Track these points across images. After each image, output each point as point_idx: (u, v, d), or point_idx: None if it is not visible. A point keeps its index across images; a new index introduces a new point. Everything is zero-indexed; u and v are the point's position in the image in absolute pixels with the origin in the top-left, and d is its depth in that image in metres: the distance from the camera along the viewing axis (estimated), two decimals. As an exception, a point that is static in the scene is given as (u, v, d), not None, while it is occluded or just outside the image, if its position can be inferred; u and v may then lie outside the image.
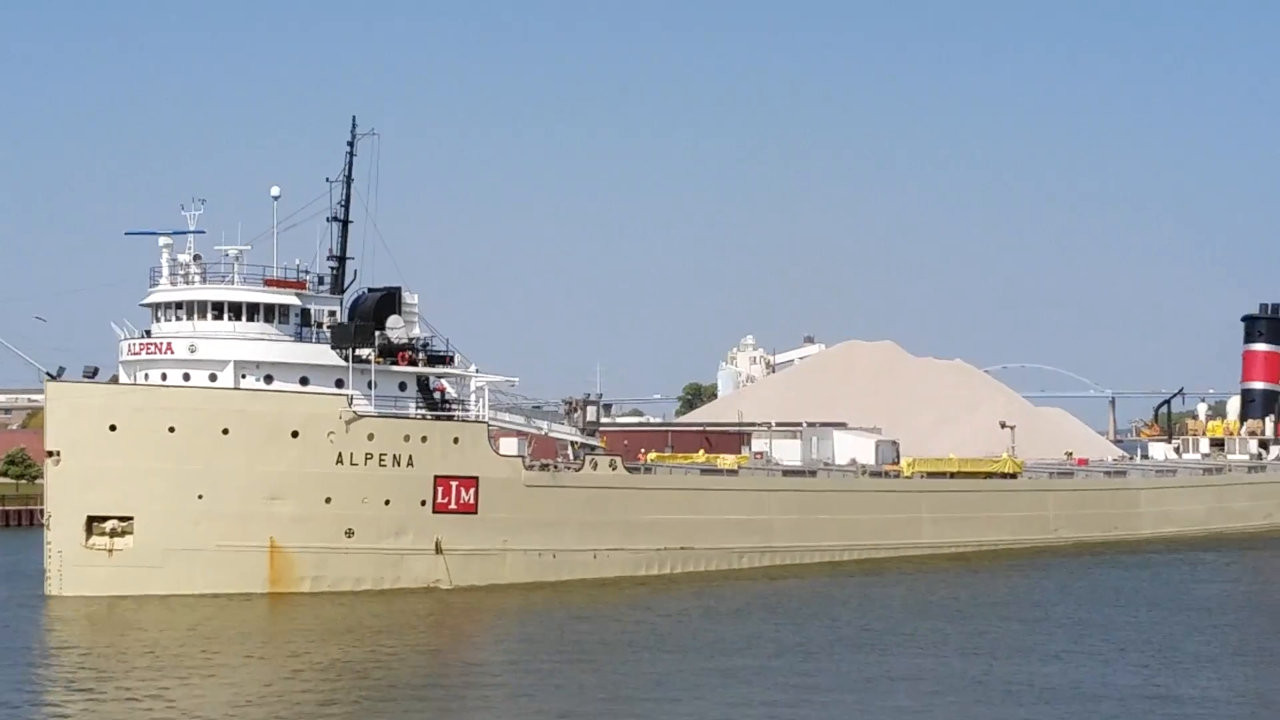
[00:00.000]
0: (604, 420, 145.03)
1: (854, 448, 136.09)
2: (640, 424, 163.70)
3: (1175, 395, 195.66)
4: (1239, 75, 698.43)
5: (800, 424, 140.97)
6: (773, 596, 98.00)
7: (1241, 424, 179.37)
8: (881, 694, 64.71)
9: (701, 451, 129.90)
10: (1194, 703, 63.27)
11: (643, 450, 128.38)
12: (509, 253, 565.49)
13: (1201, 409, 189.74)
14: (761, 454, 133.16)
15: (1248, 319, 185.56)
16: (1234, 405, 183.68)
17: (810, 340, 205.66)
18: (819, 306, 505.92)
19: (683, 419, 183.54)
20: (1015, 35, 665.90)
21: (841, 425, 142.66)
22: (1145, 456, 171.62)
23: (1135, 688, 66.85)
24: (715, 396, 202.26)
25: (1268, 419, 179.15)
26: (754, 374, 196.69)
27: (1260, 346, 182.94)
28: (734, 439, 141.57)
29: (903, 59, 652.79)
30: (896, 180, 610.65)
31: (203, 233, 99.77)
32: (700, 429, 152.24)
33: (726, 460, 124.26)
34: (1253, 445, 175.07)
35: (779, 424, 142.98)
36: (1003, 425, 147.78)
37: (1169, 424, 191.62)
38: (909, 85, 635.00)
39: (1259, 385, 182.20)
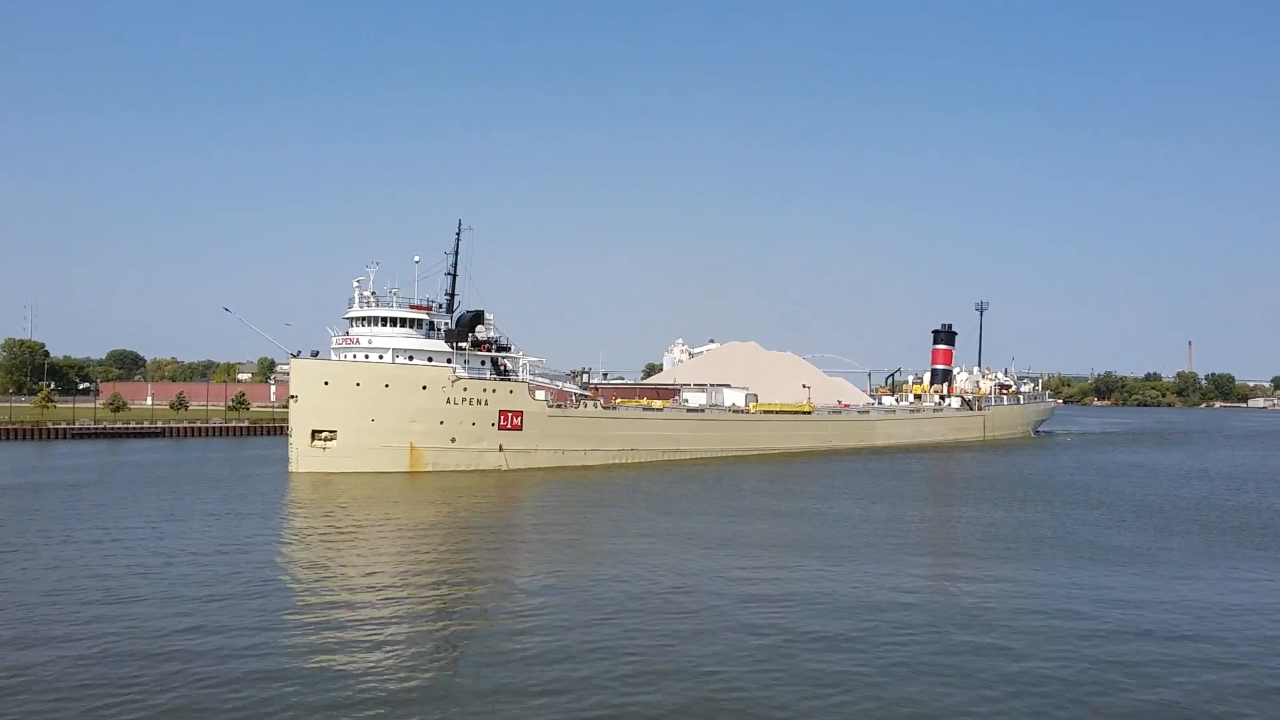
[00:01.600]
0: (597, 381, 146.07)
1: (734, 398, 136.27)
2: (622, 384, 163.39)
3: (895, 371, 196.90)
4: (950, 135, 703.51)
5: (706, 384, 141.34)
6: (679, 474, 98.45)
7: (931, 387, 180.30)
8: (737, 519, 65.56)
9: (645, 399, 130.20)
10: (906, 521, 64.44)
11: (617, 398, 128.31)
12: (545, 286, 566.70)
13: (910, 378, 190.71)
14: (685, 399, 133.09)
15: (935, 331, 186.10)
16: (927, 377, 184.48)
17: (712, 340, 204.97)
18: (717, 320, 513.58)
19: (645, 381, 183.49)
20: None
21: (728, 385, 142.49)
22: (880, 404, 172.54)
23: (882, 516, 68.03)
24: (662, 369, 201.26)
25: (944, 384, 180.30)
26: (682, 358, 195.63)
27: (940, 346, 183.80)
28: (671, 392, 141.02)
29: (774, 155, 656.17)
30: (754, 248, 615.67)
31: (373, 271, 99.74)
32: (654, 387, 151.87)
33: (656, 404, 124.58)
34: (936, 399, 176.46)
35: (695, 384, 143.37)
36: (804, 386, 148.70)
37: (892, 387, 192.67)
38: (757, 182, 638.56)
39: (940, 367, 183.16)
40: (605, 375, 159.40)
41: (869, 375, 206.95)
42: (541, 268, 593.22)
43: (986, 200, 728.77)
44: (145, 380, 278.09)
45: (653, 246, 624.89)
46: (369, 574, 46.14)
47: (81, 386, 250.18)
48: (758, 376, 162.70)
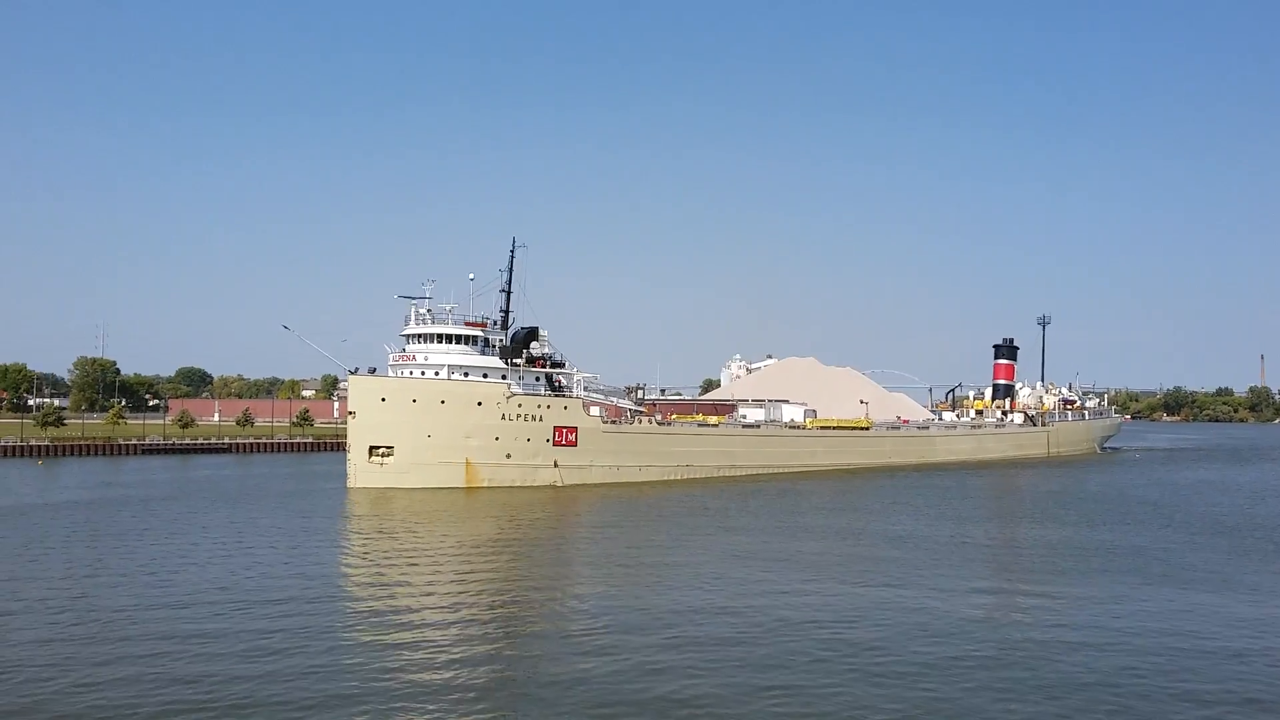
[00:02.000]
0: (657, 397, 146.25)
1: (792, 414, 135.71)
2: (679, 400, 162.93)
3: (956, 387, 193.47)
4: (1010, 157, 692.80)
5: (764, 400, 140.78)
6: (735, 491, 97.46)
7: (992, 403, 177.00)
8: (796, 536, 64.53)
9: (700, 414, 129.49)
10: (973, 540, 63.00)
11: (673, 413, 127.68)
12: (600, 302, 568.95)
13: (970, 394, 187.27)
14: (743, 415, 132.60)
15: (996, 346, 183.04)
16: (989, 392, 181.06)
17: (770, 356, 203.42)
18: (775, 336, 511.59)
19: (702, 397, 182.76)
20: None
21: (786, 401, 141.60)
22: (940, 419, 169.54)
23: (946, 535, 66.44)
24: (719, 386, 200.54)
25: (1006, 400, 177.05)
26: (740, 374, 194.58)
27: (1002, 360, 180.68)
28: (729, 408, 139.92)
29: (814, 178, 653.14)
30: (815, 264, 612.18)
31: (431, 297, 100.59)
32: (711, 403, 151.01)
33: (712, 420, 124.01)
34: (998, 414, 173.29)
35: (753, 400, 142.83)
36: (861, 402, 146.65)
37: (953, 402, 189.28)
38: (809, 206, 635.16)
39: (1002, 382, 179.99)
40: (662, 391, 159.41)
41: (929, 391, 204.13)
42: (596, 284, 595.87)
43: (1049, 213, 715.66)
44: (212, 397, 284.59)
45: (710, 262, 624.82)
46: (427, 593, 46.26)
47: (151, 403, 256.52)
48: (816, 392, 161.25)
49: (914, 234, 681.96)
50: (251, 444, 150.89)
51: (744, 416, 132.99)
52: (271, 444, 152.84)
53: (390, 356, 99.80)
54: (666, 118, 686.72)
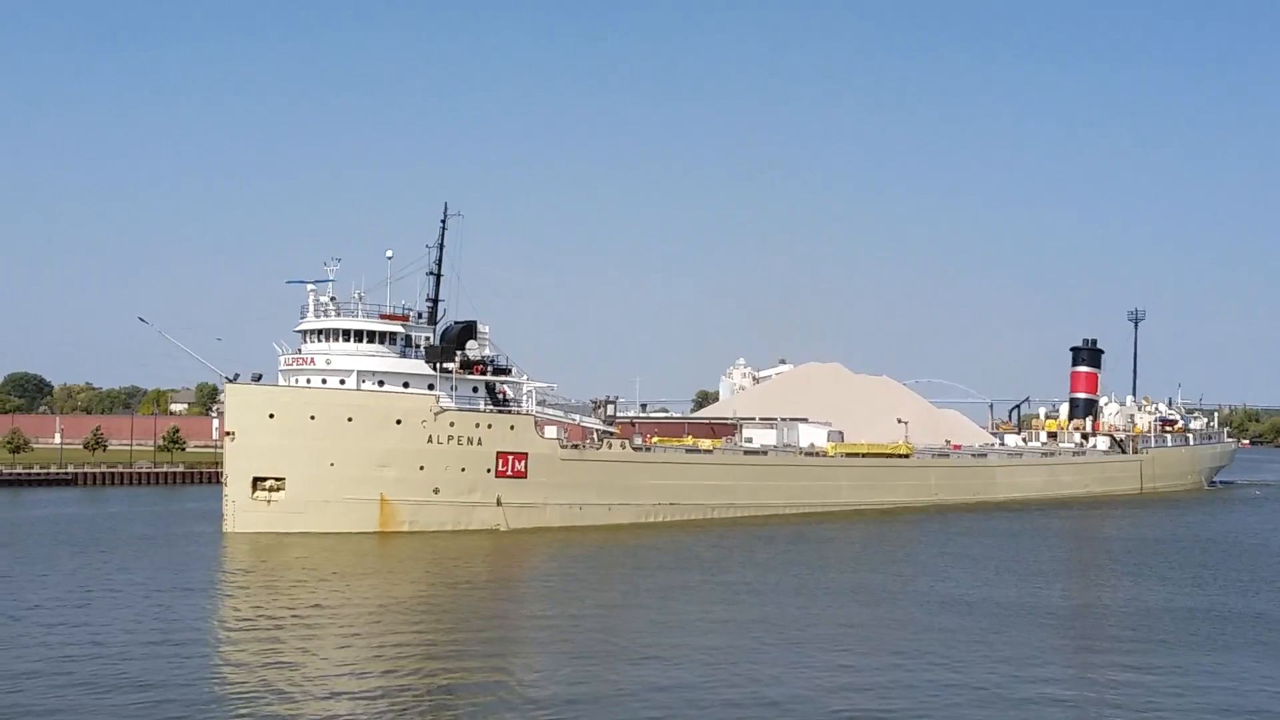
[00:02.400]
0: (636, 414, 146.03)
1: (812, 436, 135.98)
2: (666, 418, 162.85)
3: (1023, 402, 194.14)
4: (1077, 148, 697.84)
5: (775, 419, 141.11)
6: (735, 537, 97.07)
7: (1070, 422, 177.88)
8: (816, 599, 64.06)
9: (690, 437, 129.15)
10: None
11: (654, 435, 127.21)
12: (563, 294, 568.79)
13: (1042, 411, 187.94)
14: (748, 437, 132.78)
15: (1074, 349, 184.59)
16: (1064, 409, 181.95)
17: (783, 361, 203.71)
18: (789, 336, 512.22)
19: (696, 414, 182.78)
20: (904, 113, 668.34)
21: (804, 420, 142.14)
22: (1001, 444, 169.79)
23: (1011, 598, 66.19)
24: (718, 399, 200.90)
25: (1087, 419, 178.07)
26: (744, 384, 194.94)
27: (1082, 368, 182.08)
28: (730, 428, 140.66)
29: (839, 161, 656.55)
30: (843, 245, 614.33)
31: (336, 281, 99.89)
32: (707, 421, 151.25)
33: (704, 443, 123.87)
34: (1077, 437, 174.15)
35: (761, 418, 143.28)
36: (899, 421, 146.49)
37: (1019, 421, 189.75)
38: (842, 182, 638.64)
39: (1082, 395, 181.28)
40: (643, 407, 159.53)
41: (990, 407, 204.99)
42: (558, 271, 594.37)
43: (1143, 177, 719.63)
44: (52, 412, 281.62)
45: (708, 247, 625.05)
46: (325, 678, 45.69)
47: None
48: (843, 408, 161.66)
49: (968, 207, 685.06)
50: (104, 474, 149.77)
51: (749, 439, 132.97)
52: (131, 474, 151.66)
53: (281, 359, 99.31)
54: (659, 53, 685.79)
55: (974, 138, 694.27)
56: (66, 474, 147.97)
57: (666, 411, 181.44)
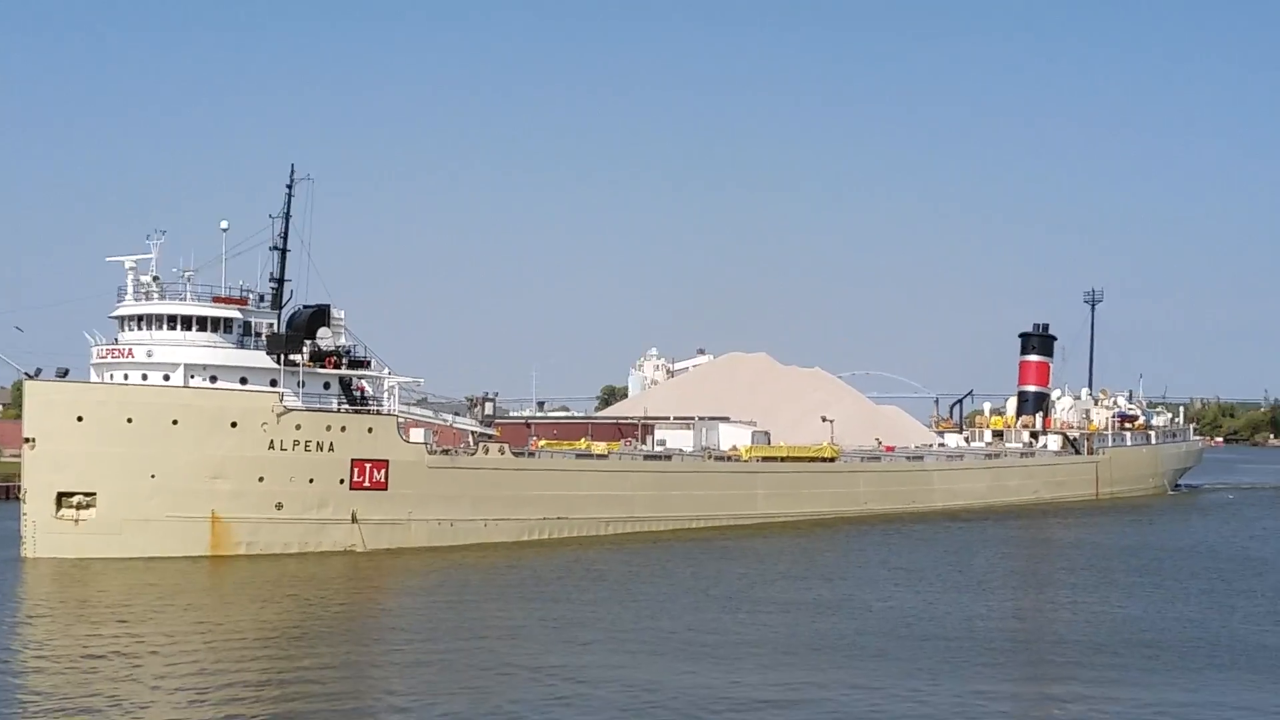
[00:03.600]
0: (530, 414, 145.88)
1: (734, 437, 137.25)
2: (565, 418, 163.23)
3: (965, 396, 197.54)
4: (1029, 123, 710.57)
5: (693, 418, 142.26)
6: (629, 553, 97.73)
7: (1017, 419, 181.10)
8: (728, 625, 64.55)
9: (584, 441, 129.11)
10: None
11: (539, 438, 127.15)
12: (437, 274, 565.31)
13: (986, 407, 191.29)
14: (661, 440, 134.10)
15: (1023, 335, 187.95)
16: (1012, 404, 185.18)
17: (701, 352, 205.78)
18: (709, 324, 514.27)
19: (600, 413, 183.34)
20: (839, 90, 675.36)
21: (725, 419, 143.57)
22: (941, 444, 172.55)
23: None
24: (626, 396, 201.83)
25: (1037, 415, 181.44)
26: (657, 378, 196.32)
27: (1032, 357, 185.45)
28: (640, 429, 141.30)
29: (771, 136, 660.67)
30: (768, 222, 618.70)
31: (160, 258, 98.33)
32: (613, 421, 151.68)
33: (598, 447, 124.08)
34: (1025, 436, 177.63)
35: (676, 418, 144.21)
36: (824, 419, 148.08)
37: (962, 419, 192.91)
38: (768, 148, 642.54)
39: (1031, 388, 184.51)
40: (542, 405, 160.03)
41: (936, 401, 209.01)
42: (431, 248, 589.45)
43: (1098, 156, 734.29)
44: None
45: (615, 224, 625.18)
46: None
47: None
48: (771, 405, 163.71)
49: (909, 179, 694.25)
50: None
51: (661, 441, 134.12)
52: None
53: (94, 351, 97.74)
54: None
55: (915, 109, 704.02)
56: None
57: (567, 410, 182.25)
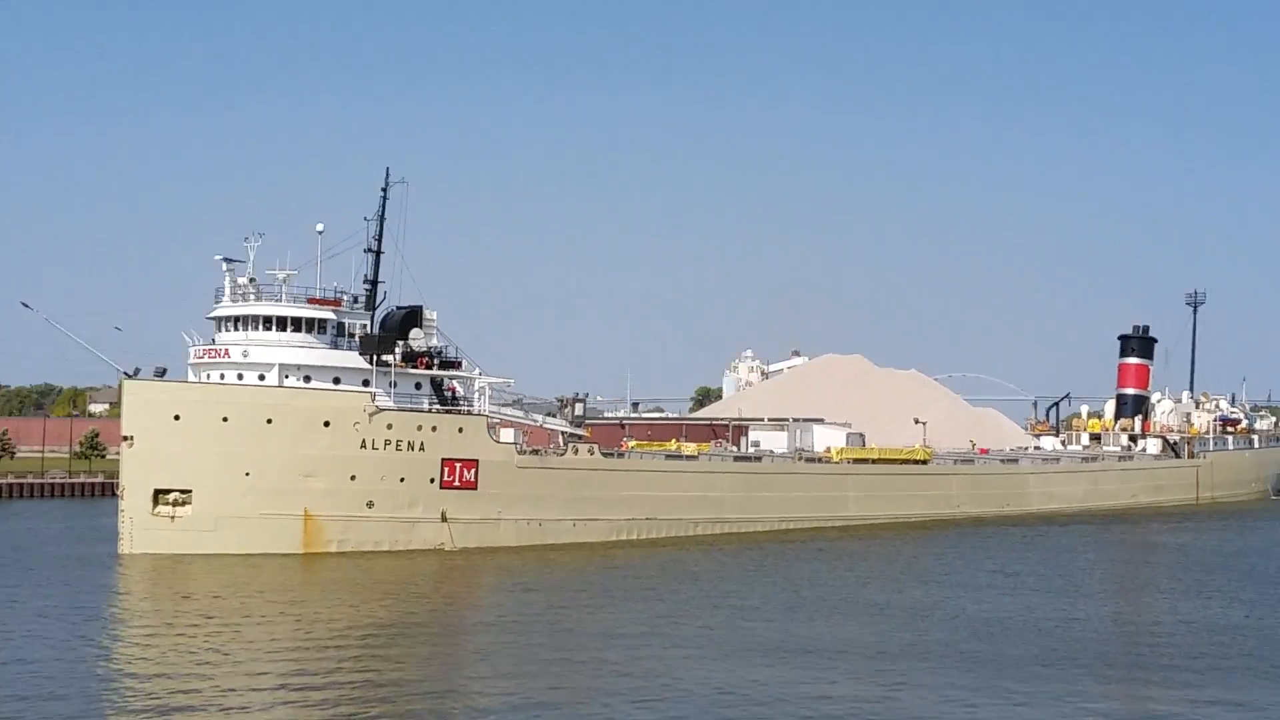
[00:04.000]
0: (625, 415, 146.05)
1: (829, 439, 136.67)
2: (661, 419, 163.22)
3: (1063, 399, 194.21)
4: (1123, 126, 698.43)
5: (787, 419, 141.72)
6: (722, 556, 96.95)
7: (1115, 422, 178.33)
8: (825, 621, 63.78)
9: (676, 442, 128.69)
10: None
11: (631, 440, 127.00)
12: (531, 276, 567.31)
13: (1084, 410, 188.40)
14: (756, 441, 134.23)
15: (1123, 337, 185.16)
16: (1110, 407, 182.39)
17: (797, 353, 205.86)
18: (804, 325, 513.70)
19: (694, 414, 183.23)
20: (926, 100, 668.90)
21: (820, 421, 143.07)
22: (1037, 447, 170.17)
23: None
24: (721, 397, 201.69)
25: (1136, 418, 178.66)
26: (752, 380, 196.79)
27: (1131, 360, 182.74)
28: (736, 431, 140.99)
29: (856, 129, 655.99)
30: (864, 223, 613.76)
31: (256, 261, 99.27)
32: (708, 422, 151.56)
33: (688, 448, 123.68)
34: (1124, 439, 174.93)
35: (770, 419, 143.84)
36: (916, 421, 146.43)
37: (1058, 422, 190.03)
38: (864, 150, 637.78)
39: (1130, 391, 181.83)
40: (636, 406, 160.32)
41: (1034, 404, 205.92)
42: (525, 251, 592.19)
43: (1200, 156, 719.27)
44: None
45: (709, 226, 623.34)
46: None
47: None
48: (866, 406, 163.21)
49: (1005, 181, 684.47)
50: (11, 485, 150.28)
51: (755, 443, 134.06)
52: (42, 485, 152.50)
53: (191, 351, 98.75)
54: (654, 25, 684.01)
55: (1010, 109, 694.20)
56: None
57: (662, 411, 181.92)
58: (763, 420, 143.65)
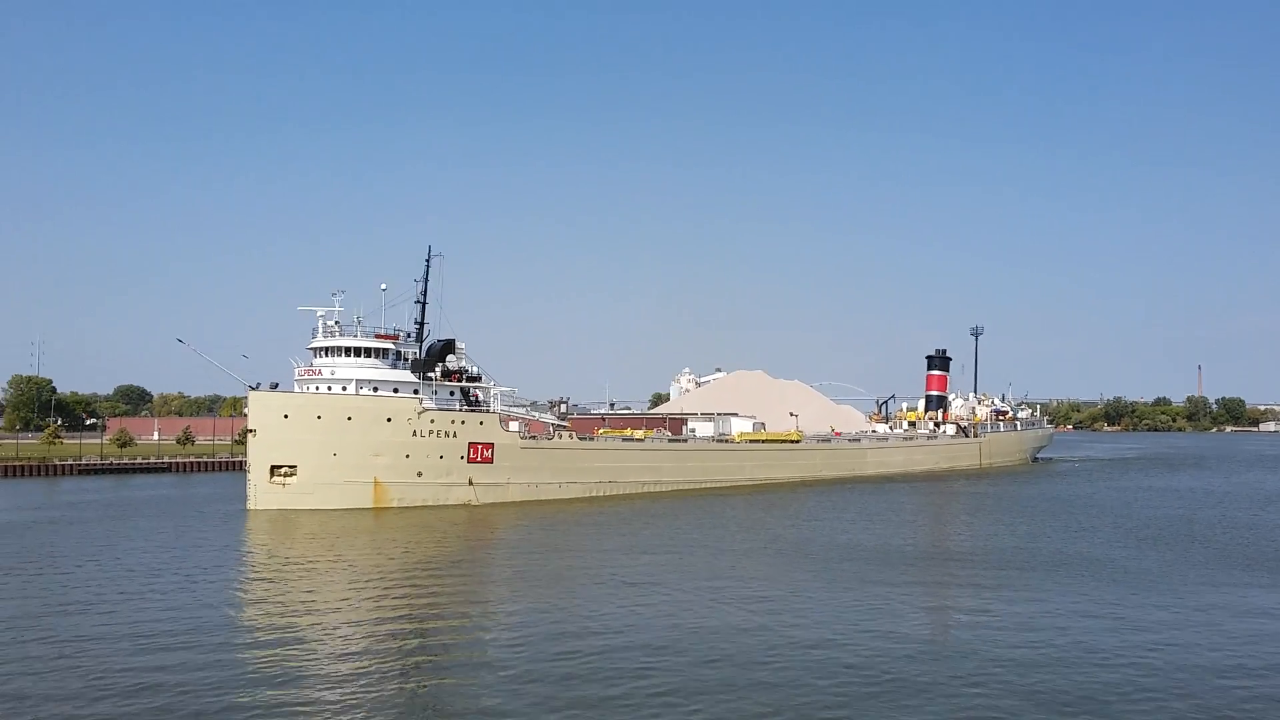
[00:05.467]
0: (604, 411, 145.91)
1: (741, 427, 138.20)
2: (628, 414, 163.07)
3: (889, 398, 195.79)
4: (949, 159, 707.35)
5: (713, 414, 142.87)
6: (661, 507, 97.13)
7: (925, 414, 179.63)
8: (720, 550, 64.19)
9: (629, 429, 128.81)
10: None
11: (599, 428, 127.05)
12: (537, 313, 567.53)
13: (904, 405, 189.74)
14: (693, 429, 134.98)
15: (929, 356, 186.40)
16: (921, 403, 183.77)
17: (719, 369, 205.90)
18: (725, 348, 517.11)
19: (651, 411, 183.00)
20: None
21: (734, 415, 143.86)
22: (873, 432, 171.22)
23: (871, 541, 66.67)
24: (669, 399, 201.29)
25: (939, 411, 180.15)
26: (689, 388, 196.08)
27: (935, 371, 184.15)
28: (679, 422, 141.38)
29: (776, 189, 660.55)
30: (763, 274, 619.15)
31: (341, 309, 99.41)
32: (661, 417, 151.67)
33: (637, 434, 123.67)
34: (930, 425, 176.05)
35: (702, 414, 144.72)
36: (791, 415, 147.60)
37: (887, 414, 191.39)
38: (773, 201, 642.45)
39: (935, 392, 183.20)
40: (612, 405, 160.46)
41: (876, 403, 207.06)
42: (531, 295, 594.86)
43: (985, 224, 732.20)
44: (152, 415, 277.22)
45: (657, 273, 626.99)
46: (337, 621, 45.25)
47: (89, 422, 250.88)
48: (766, 405, 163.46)
49: (854, 241, 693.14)
50: (192, 463, 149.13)
51: (693, 430, 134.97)
52: (213, 463, 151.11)
53: (296, 371, 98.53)
54: (603, 125, 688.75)
55: (859, 185, 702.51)
56: (163, 463, 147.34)
57: (629, 409, 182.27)
58: (697, 415, 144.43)
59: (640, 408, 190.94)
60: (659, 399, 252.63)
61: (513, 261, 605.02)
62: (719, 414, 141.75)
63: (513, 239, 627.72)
